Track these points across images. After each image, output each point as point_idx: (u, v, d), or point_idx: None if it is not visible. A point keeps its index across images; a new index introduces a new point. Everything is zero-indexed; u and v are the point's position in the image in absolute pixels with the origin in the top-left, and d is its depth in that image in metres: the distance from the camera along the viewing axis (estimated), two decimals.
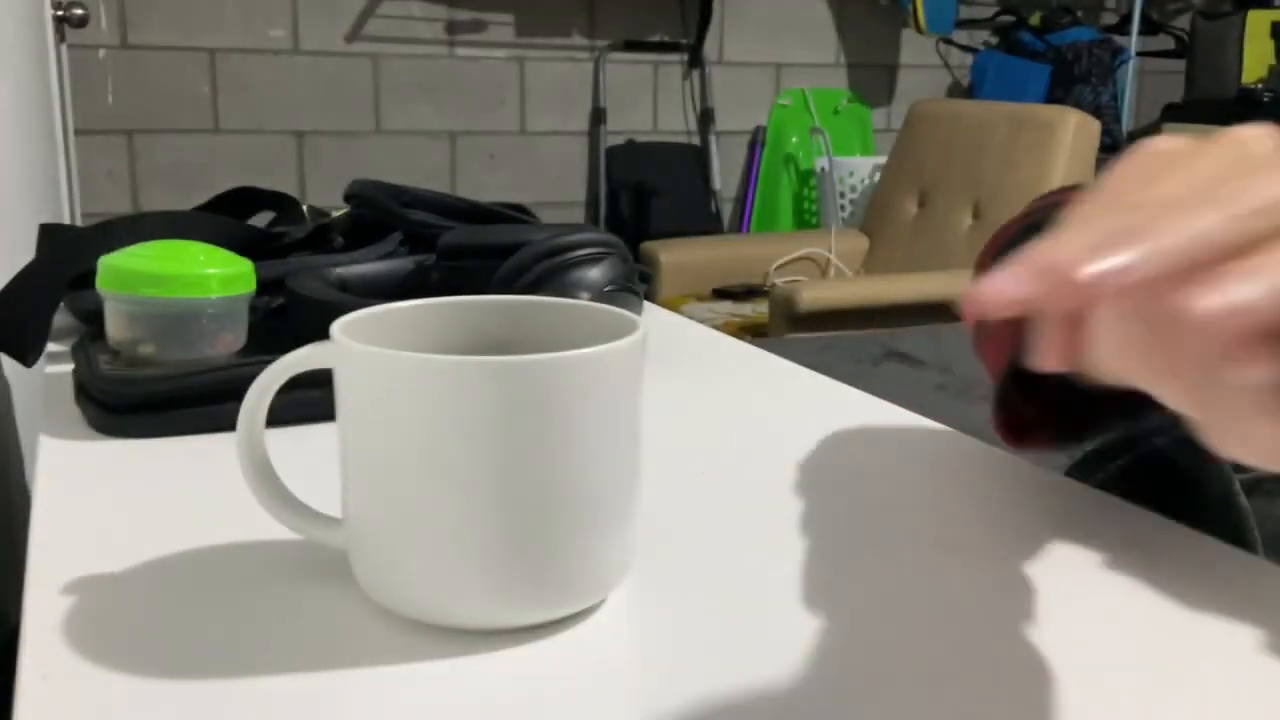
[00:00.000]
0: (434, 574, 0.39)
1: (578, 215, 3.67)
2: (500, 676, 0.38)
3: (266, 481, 0.44)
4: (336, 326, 0.41)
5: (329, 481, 0.55)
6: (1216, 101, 3.63)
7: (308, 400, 0.62)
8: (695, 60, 3.74)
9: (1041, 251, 0.26)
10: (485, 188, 3.49)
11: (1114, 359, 0.30)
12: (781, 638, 0.41)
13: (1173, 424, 0.65)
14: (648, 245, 2.97)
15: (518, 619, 0.41)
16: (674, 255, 2.92)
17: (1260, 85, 3.56)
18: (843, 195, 3.61)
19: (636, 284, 0.75)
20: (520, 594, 0.40)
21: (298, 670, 0.38)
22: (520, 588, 0.40)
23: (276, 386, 0.43)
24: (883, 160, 3.25)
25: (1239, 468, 0.66)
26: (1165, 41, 4.14)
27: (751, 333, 2.55)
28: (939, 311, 2.45)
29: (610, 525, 0.41)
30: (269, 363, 0.43)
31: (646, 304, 0.89)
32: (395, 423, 0.39)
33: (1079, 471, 0.66)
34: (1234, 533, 0.57)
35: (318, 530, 0.44)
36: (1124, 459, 0.66)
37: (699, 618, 0.42)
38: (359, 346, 0.39)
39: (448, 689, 0.37)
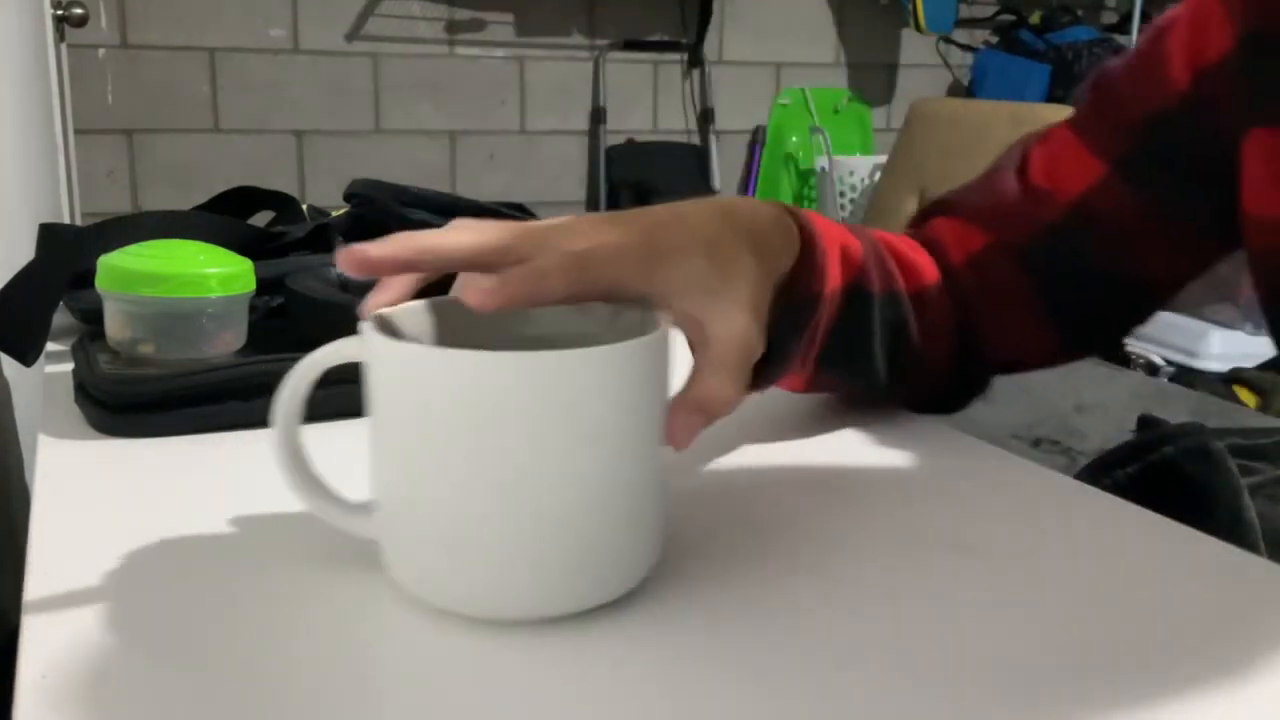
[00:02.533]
0: (464, 566, 0.40)
1: None
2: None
3: (302, 473, 0.44)
4: (366, 322, 0.42)
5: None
6: None
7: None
8: (695, 60, 3.73)
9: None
10: (485, 187, 3.49)
11: None
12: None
13: (1182, 434, 0.65)
14: None
15: (547, 610, 0.41)
16: None
17: None
18: (843, 195, 3.61)
19: None
20: (549, 585, 0.40)
21: (296, 670, 0.38)
22: (549, 579, 0.40)
23: (311, 378, 0.43)
24: (883, 160, 3.24)
25: (1242, 473, 0.66)
26: None
27: None
28: None
29: (638, 516, 0.42)
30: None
31: None
32: (426, 417, 0.39)
33: (1087, 477, 0.66)
34: (1240, 544, 0.57)
35: (352, 521, 0.44)
36: (1133, 467, 0.66)
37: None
38: (393, 343, 0.40)
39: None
